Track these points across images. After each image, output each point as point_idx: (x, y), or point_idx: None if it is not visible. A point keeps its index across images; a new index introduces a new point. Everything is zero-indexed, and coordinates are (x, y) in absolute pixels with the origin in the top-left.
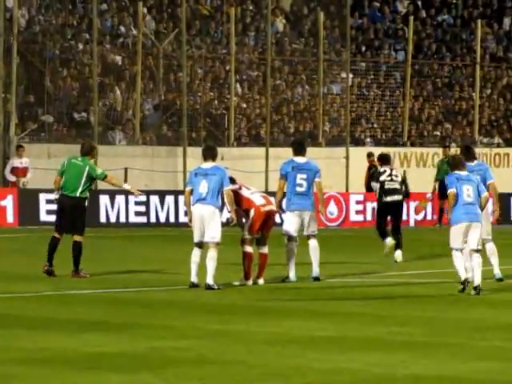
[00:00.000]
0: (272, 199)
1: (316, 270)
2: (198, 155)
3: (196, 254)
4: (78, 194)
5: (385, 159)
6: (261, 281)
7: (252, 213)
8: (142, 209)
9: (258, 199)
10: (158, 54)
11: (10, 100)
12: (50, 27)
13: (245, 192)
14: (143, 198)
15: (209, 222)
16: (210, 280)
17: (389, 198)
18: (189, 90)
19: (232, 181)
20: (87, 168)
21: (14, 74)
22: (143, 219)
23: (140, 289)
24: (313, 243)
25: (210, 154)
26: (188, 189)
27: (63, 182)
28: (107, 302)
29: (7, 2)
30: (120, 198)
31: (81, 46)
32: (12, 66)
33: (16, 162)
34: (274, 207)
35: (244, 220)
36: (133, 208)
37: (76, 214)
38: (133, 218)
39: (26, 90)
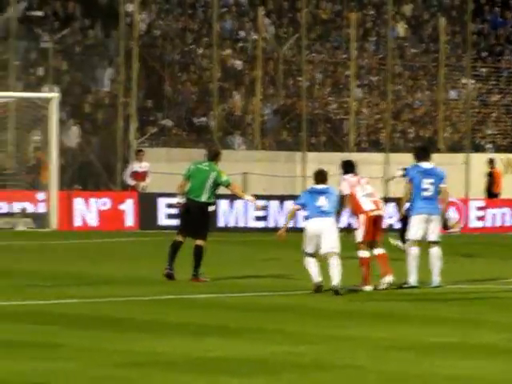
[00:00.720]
0: (382, 204)
1: (436, 280)
2: (317, 160)
3: (310, 260)
4: (203, 199)
5: None
6: (388, 278)
7: (361, 218)
8: (262, 213)
9: (367, 204)
10: (278, 59)
11: (129, 104)
12: (170, 32)
13: (358, 194)
14: (262, 204)
15: (327, 233)
16: (336, 283)
17: None
18: (308, 95)
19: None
20: (213, 173)
21: (134, 79)
22: (262, 224)
23: (258, 293)
24: (435, 251)
25: (321, 179)
26: (296, 207)
27: (190, 186)
28: (226, 306)
29: (128, 6)
30: (239, 203)
31: (201, 51)
32: (132, 70)
33: (136, 166)
34: (382, 212)
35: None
36: (252, 213)
37: (200, 218)
38: (252, 223)
39: (146, 95)
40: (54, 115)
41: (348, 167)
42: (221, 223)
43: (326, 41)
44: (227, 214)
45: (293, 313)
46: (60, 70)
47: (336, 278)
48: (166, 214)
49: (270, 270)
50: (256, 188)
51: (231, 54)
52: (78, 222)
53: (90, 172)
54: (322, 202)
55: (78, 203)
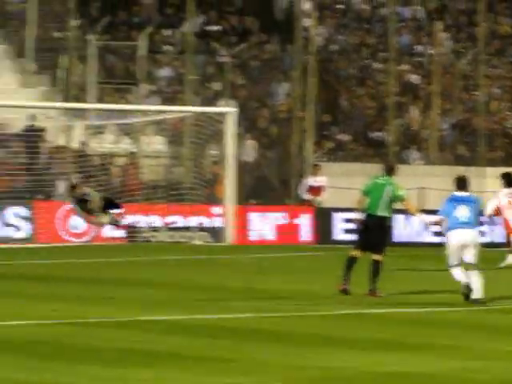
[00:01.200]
0: None
1: None
2: (494, 176)
3: (458, 271)
4: (381, 214)
5: None
6: None
7: None
8: (439, 229)
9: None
10: (455, 74)
11: (306, 119)
12: (347, 46)
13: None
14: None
15: (470, 245)
16: (478, 295)
17: None
18: (486, 110)
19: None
20: (390, 187)
21: (311, 93)
22: (439, 239)
23: (434, 309)
24: None
25: (463, 185)
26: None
27: (369, 201)
28: (402, 321)
29: (304, 21)
30: (415, 218)
31: (377, 65)
32: (308, 84)
33: (311, 180)
34: None
35: None
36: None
37: (379, 233)
38: (429, 238)
39: (322, 109)
40: (230, 130)
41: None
42: (396, 238)
43: (504, 55)
44: (403, 228)
45: (467, 328)
46: (236, 85)
47: (478, 291)
48: (342, 229)
49: (445, 285)
50: (434, 203)
51: (408, 68)
52: (253, 237)
53: (265, 186)
54: (463, 211)
55: (254, 218)
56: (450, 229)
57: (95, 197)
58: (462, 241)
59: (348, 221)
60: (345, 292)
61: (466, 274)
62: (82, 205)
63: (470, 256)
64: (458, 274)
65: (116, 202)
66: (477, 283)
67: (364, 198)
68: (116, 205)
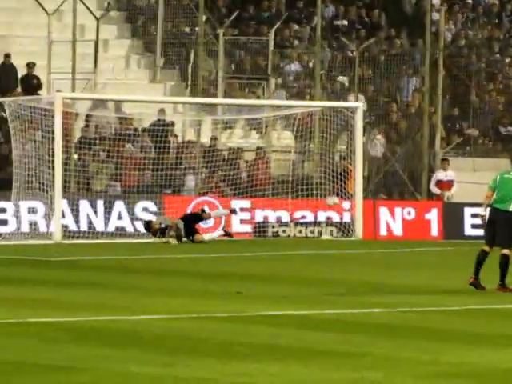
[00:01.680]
0: None
1: None
2: None
3: None
4: (510, 209)
5: None
6: None
7: None
8: None
9: None
10: None
11: (435, 113)
12: (476, 41)
13: None
14: None
15: None
16: None
17: None
18: None
19: None
20: None
21: (440, 88)
22: None
23: None
24: None
25: None
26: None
27: (496, 196)
28: None
29: (434, 15)
30: None
31: (507, 60)
32: (438, 79)
33: (440, 175)
34: None
35: None
36: None
37: (507, 227)
38: None
39: (452, 104)
40: (359, 124)
41: None
42: None
43: None
44: None
45: None
46: (365, 79)
47: None
48: (471, 224)
49: None
50: None
51: None
52: (382, 232)
53: (394, 181)
54: None
55: (383, 212)
56: None
57: (173, 223)
58: None
59: (476, 216)
60: (475, 286)
61: None
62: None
63: None
64: None
65: (198, 213)
66: None
67: (491, 193)
68: (199, 216)
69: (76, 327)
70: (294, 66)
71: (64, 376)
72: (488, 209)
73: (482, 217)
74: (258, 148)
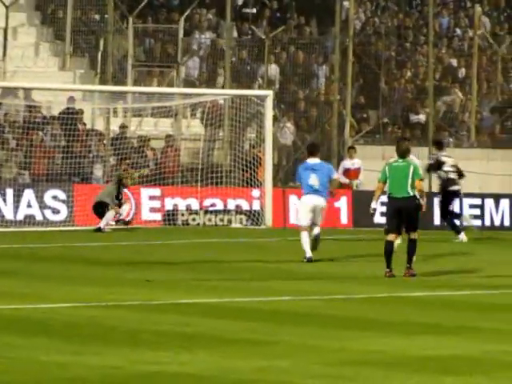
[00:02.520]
0: None
1: None
2: None
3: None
4: (410, 193)
5: None
6: None
7: None
8: (477, 212)
9: None
10: (495, 57)
11: (344, 101)
12: (386, 29)
13: None
14: (478, 202)
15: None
16: None
17: None
18: None
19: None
20: (411, 168)
21: (349, 76)
22: (477, 222)
23: (472, 292)
24: None
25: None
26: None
27: (391, 186)
28: (440, 304)
29: (344, 3)
30: None
31: (417, 48)
32: (347, 67)
33: (347, 163)
34: None
35: None
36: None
37: (414, 211)
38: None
39: (361, 92)
40: (268, 112)
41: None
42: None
43: None
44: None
45: (504, 311)
46: (280, 67)
47: None
48: (380, 212)
49: (485, 269)
50: (471, 186)
51: (446, 51)
52: (292, 220)
53: None
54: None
55: (293, 200)
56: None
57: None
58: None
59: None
60: (392, 276)
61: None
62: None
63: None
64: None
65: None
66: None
67: (382, 185)
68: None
69: None
70: (204, 53)
71: None
72: (379, 201)
73: (374, 210)
74: (167, 136)
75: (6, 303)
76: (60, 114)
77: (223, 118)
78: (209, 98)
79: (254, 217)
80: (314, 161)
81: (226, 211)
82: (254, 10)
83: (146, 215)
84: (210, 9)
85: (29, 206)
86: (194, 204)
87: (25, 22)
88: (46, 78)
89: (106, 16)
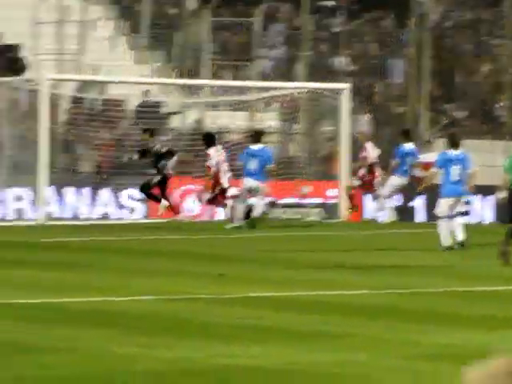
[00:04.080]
0: None
1: None
2: None
3: None
4: None
5: None
6: None
7: None
8: None
9: None
10: None
11: (421, 95)
12: (463, 22)
13: None
14: None
15: None
16: None
17: None
18: None
19: None
20: None
21: (426, 69)
22: None
23: None
24: None
25: None
26: None
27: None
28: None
29: None
30: None
31: (495, 41)
32: (424, 60)
33: (427, 156)
34: None
35: None
36: None
37: None
38: None
39: (438, 86)
40: (345, 106)
41: None
42: None
43: None
44: None
45: None
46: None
47: None
48: None
49: None
50: None
51: None
52: (367, 214)
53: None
54: None
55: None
56: None
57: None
58: None
59: None
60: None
61: None
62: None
63: None
64: None
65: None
66: None
67: (508, 176)
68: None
69: (60, 308)
70: (280, 46)
71: (46, 356)
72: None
73: (503, 199)
74: (241, 130)
75: (83, 296)
76: (137, 107)
77: (299, 111)
78: (285, 92)
79: (330, 211)
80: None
81: (301, 205)
82: (331, 3)
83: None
84: (286, 2)
85: (106, 200)
86: (271, 198)
87: (102, 16)
88: (123, 71)
89: (182, 9)
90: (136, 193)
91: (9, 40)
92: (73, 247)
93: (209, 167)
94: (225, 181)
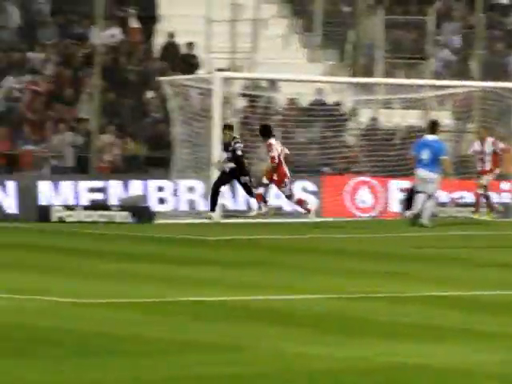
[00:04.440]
0: None
1: None
2: None
3: None
4: None
5: None
6: None
7: None
8: None
9: None
10: None
11: None
12: None
13: None
14: None
15: None
16: None
17: None
18: None
19: None
20: None
21: None
22: None
23: None
24: None
25: None
26: None
27: None
28: None
29: None
30: None
31: None
32: None
33: None
34: None
35: None
36: None
37: None
38: None
39: None
40: None
41: None
42: None
43: None
44: None
45: None
46: None
47: None
48: None
49: None
50: None
51: None
52: None
53: None
54: None
55: None
56: None
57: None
58: None
59: None
60: None
61: None
62: None
63: None
64: None
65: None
66: None
67: None
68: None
69: (237, 306)
70: (454, 44)
71: (228, 354)
72: None
73: None
74: (410, 127)
75: (257, 294)
76: (309, 105)
77: (473, 110)
78: (459, 90)
79: (504, 210)
80: None
81: (472, 204)
82: (506, 1)
83: (396, 207)
84: (460, 0)
85: (277, 197)
86: (443, 197)
87: (275, 14)
88: (295, 69)
89: (355, 7)
90: (308, 185)
91: (181, 38)
92: (246, 244)
93: (273, 158)
94: (287, 171)
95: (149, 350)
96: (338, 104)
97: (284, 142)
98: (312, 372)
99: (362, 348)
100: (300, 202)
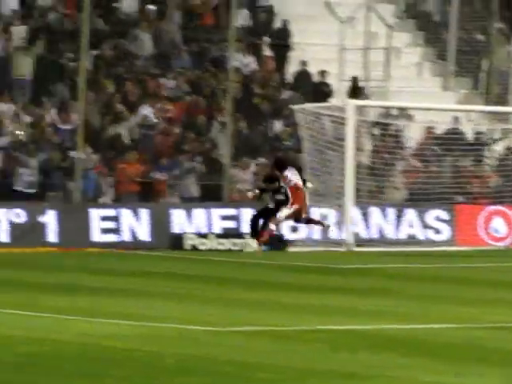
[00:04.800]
0: None
1: None
2: None
3: None
4: None
5: None
6: None
7: None
8: None
9: None
10: None
11: None
12: None
13: None
14: None
15: None
16: None
17: None
18: None
19: None
20: None
21: None
22: None
23: None
24: None
25: None
26: None
27: None
28: None
29: None
30: None
31: None
32: None
33: None
34: None
35: None
36: None
37: None
38: None
39: None
40: None
41: None
42: None
43: None
44: None
45: None
46: None
47: None
48: None
49: None
50: None
51: None
52: None
53: None
54: None
55: None
56: None
57: None
58: None
59: None
60: None
61: None
62: None
63: None
64: None
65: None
66: None
67: None
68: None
69: (369, 335)
70: None
71: (353, 382)
72: None
73: None
74: None
75: (389, 322)
76: (445, 134)
77: None
78: None
79: None
80: None
81: None
82: None
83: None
84: None
85: (410, 225)
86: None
87: (409, 42)
88: (429, 98)
89: (488, 35)
90: (442, 213)
91: (314, 67)
92: (377, 273)
93: (292, 188)
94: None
95: (283, 378)
96: (477, 133)
97: (418, 171)
98: None
99: (497, 378)
100: (310, 221)
